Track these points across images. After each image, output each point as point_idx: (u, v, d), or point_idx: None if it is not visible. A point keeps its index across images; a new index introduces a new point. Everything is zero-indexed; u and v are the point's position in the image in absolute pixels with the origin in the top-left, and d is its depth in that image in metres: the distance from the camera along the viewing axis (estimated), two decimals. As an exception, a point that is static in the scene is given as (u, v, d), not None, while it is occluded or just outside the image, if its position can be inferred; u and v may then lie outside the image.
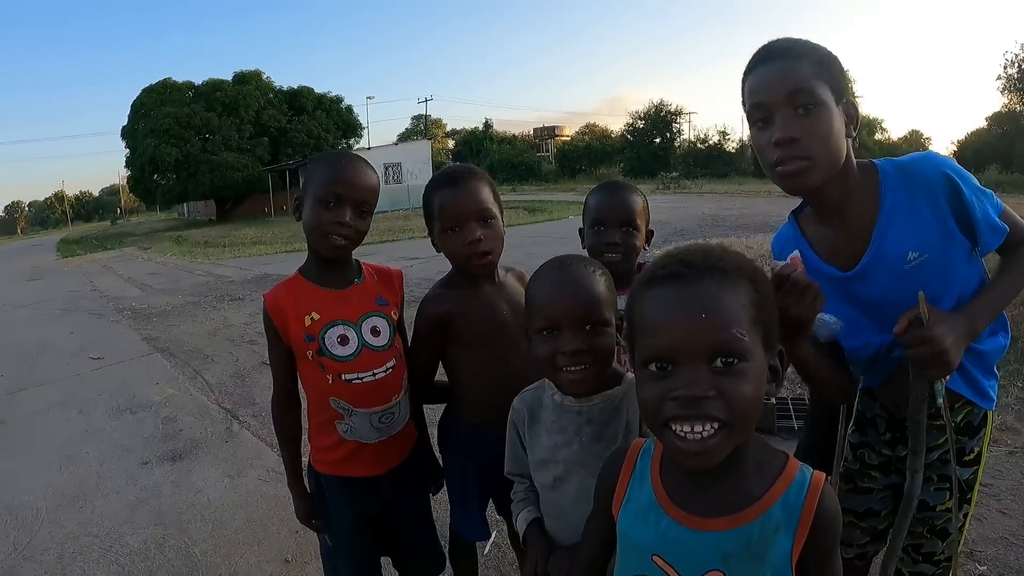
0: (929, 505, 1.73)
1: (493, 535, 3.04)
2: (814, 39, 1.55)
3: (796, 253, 1.47)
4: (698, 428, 1.03)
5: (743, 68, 1.58)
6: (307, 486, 2.19)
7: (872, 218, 1.57)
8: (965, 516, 1.76)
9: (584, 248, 2.26)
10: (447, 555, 2.41)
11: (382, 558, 2.30)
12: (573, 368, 1.49)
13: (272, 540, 3.50)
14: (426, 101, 75.07)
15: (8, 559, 3.55)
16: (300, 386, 2.11)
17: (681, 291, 1.07)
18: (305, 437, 2.17)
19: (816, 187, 1.52)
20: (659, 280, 1.11)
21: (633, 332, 1.15)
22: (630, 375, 1.59)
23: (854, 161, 1.57)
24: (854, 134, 1.55)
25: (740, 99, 1.59)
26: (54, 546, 3.64)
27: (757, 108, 1.52)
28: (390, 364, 2.03)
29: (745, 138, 58.30)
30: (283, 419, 2.13)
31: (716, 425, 1.03)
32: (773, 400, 4.31)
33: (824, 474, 1.14)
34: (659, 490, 1.19)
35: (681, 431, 1.04)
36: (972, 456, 1.74)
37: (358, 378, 1.99)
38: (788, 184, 1.51)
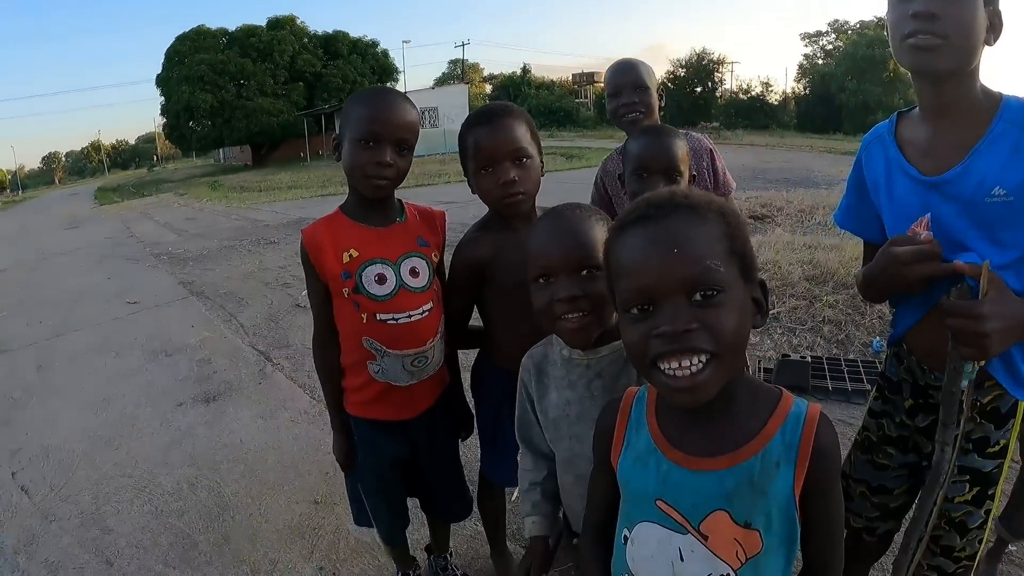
0: (948, 498, 1.61)
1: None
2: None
3: (927, 216, 1.41)
4: (686, 363, 1.01)
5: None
6: None
7: (975, 138, 1.46)
8: (987, 514, 1.62)
9: (626, 195, 2.23)
10: (475, 500, 2.39)
11: (409, 500, 2.28)
12: (571, 315, 1.46)
13: (302, 481, 3.51)
14: (463, 45, 74.52)
15: (45, 500, 3.60)
16: None
17: (651, 231, 1.06)
18: None
19: (942, 72, 1.43)
20: (629, 224, 1.10)
21: (612, 280, 1.14)
22: None
23: (979, 76, 1.48)
24: (993, 43, 1.45)
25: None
26: (89, 487, 3.69)
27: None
28: (427, 307, 1.97)
29: (788, 90, 57.19)
30: (323, 357, 2.09)
31: (704, 358, 1.02)
32: (808, 358, 4.25)
33: (819, 406, 1.13)
34: (656, 434, 1.18)
35: (669, 369, 1.03)
36: (997, 448, 1.59)
37: (393, 319, 1.93)
38: (916, 59, 1.42)
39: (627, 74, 2.67)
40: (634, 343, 1.07)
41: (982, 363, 1.37)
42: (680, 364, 1.02)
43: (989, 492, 1.60)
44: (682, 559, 1.13)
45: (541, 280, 1.50)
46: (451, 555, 2.63)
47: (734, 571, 1.11)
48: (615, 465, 1.24)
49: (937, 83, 1.46)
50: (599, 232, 1.48)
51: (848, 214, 1.80)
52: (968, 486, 1.59)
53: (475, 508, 2.41)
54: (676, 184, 2.05)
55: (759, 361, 4.49)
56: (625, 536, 1.22)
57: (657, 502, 1.15)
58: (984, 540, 1.65)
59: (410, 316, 1.94)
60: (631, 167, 2.15)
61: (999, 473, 1.60)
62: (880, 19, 49.27)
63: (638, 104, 2.64)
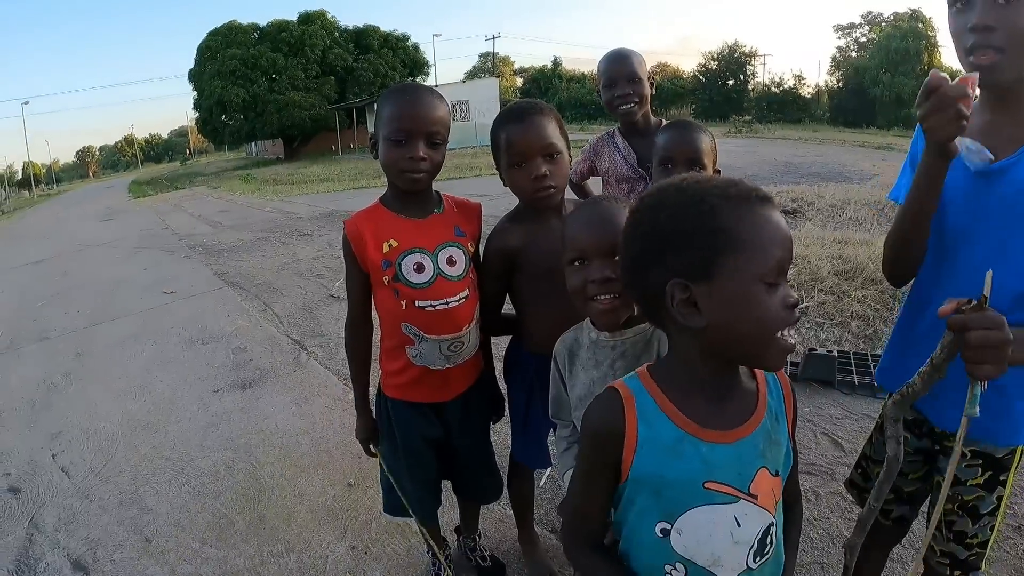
0: (960, 480, 1.62)
1: (549, 469, 3.06)
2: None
3: (974, 74, 1.37)
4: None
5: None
6: (374, 410, 2.25)
7: None
8: (999, 500, 1.62)
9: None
10: (505, 483, 2.45)
11: (443, 482, 2.35)
12: (603, 296, 1.55)
13: (336, 465, 3.59)
14: (493, 39, 73.98)
15: (86, 481, 3.72)
16: (374, 311, 2.14)
17: (777, 210, 1.14)
18: (376, 364, 2.22)
19: (1004, 85, 1.44)
20: (758, 201, 1.13)
21: (733, 251, 1.09)
22: None
23: None
24: None
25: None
26: (129, 468, 3.80)
27: None
28: (463, 294, 2.04)
29: (821, 83, 56.45)
30: (355, 339, 2.18)
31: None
32: (835, 352, 4.25)
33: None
34: (683, 421, 1.18)
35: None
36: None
37: (431, 305, 2.00)
38: (980, 77, 1.42)
39: (621, 66, 2.78)
40: (774, 316, 1.08)
41: (984, 387, 1.31)
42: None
43: (1001, 478, 1.61)
44: (739, 525, 1.18)
45: (576, 263, 1.60)
46: (480, 536, 2.69)
47: (773, 517, 1.21)
48: (628, 465, 1.21)
49: (1001, 91, 1.47)
50: None
51: (905, 184, 1.71)
52: (980, 470, 1.60)
53: (504, 492, 2.47)
54: None
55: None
56: (664, 529, 1.20)
57: (705, 484, 1.16)
58: (996, 528, 1.66)
59: (447, 303, 2.01)
60: (657, 158, 2.21)
61: (1011, 459, 1.60)
62: (914, 11, 48.64)
63: (632, 95, 2.75)
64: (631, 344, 1.62)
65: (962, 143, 1.41)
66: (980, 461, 1.61)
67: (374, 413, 2.26)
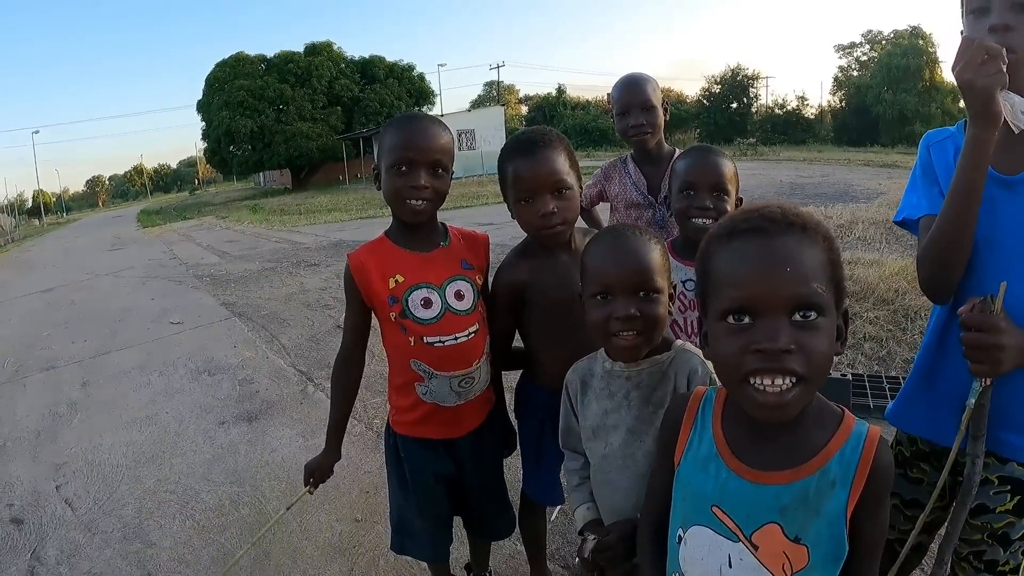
0: (988, 508, 1.57)
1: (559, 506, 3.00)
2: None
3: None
4: (778, 381, 1.04)
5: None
6: (385, 449, 2.23)
7: None
8: None
9: (670, 213, 2.26)
10: (516, 519, 2.40)
11: (454, 518, 2.29)
12: (625, 333, 1.51)
13: (343, 500, 3.53)
14: (498, 67, 74.12)
15: (89, 513, 3.67)
16: (382, 346, 2.10)
17: (765, 244, 1.08)
18: (386, 399, 2.19)
19: None
20: (741, 234, 1.11)
21: (709, 285, 1.15)
22: (679, 342, 1.63)
23: None
24: None
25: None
26: (133, 501, 3.76)
27: None
28: (472, 329, 2.00)
29: (824, 103, 56.58)
30: (343, 375, 2.16)
31: (793, 380, 1.04)
32: (849, 375, 4.20)
33: (879, 428, 1.15)
34: (720, 441, 1.21)
35: (760, 384, 1.05)
36: None
37: (440, 341, 1.96)
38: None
39: (635, 94, 2.72)
40: (729, 355, 1.08)
41: (989, 381, 1.36)
42: (772, 382, 1.04)
43: None
44: (731, 566, 1.16)
45: (599, 297, 1.55)
46: (490, 574, 2.64)
47: None
48: (677, 463, 1.26)
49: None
50: (657, 256, 1.55)
51: (917, 200, 1.68)
52: (1009, 496, 1.56)
53: (516, 528, 2.42)
54: (722, 202, 2.07)
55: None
56: (679, 536, 1.24)
57: (713, 508, 1.17)
58: None
59: (456, 338, 1.97)
60: (677, 184, 2.15)
61: None
62: (913, 28, 48.80)
63: (645, 125, 2.70)
64: (647, 375, 1.59)
65: (1007, 98, 1.35)
66: (1008, 487, 1.56)
67: (387, 449, 2.21)
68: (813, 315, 1.05)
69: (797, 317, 1.04)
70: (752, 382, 1.06)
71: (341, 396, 2.18)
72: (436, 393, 2.01)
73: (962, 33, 1.47)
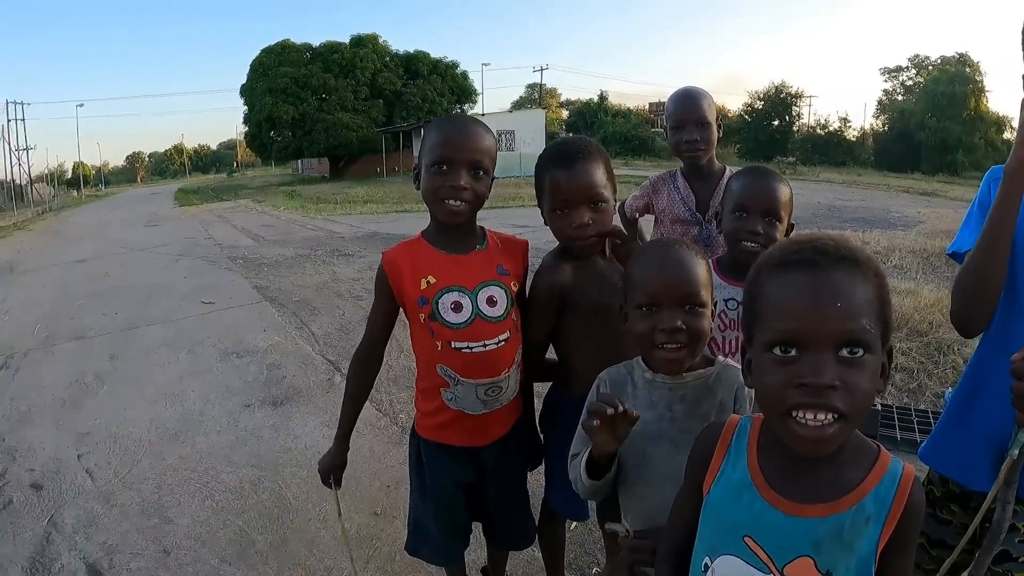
0: (1011, 556, 1.55)
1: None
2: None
3: None
4: (820, 416, 1.03)
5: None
6: (408, 451, 2.20)
7: None
8: None
9: (720, 232, 2.22)
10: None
11: (474, 524, 2.27)
12: (670, 346, 1.51)
13: (364, 492, 3.54)
14: (541, 70, 74.13)
15: (108, 484, 3.73)
16: (412, 349, 2.08)
17: (816, 277, 1.07)
18: (413, 402, 2.16)
19: None
20: (792, 265, 1.10)
21: (756, 315, 1.15)
22: (722, 359, 1.64)
23: None
24: None
25: (1021, 43, 1.48)
26: (153, 476, 3.80)
27: None
28: (503, 336, 1.96)
29: (866, 126, 55.87)
30: (359, 372, 2.13)
31: (835, 415, 1.03)
32: (879, 406, 4.14)
33: (913, 467, 1.15)
34: (755, 470, 1.20)
35: (802, 418, 1.04)
36: None
37: (468, 348, 1.92)
38: None
39: (690, 110, 2.71)
40: (772, 387, 1.08)
41: None
42: (815, 416, 1.03)
43: None
44: None
45: (645, 308, 1.54)
46: (506, 579, 2.61)
47: None
48: (706, 491, 1.25)
49: None
50: (703, 270, 1.56)
51: (969, 235, 1.67)
52: None
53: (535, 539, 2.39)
54: (774, 228, 2.04)
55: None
56: (705, 564, 1.22)
57: (745, 538, 1.16)
58: None
59: (485, 345, 1.93)
60: (730, 204, 2.12)
61: None
62: (961, 55, 48.10)
63: (699, 141, 2.69)
64: (692, 388, 1.59)
65: None
66: None
67: (410, 453, 2.19)
68: (860, 352, 1.04)
69: (844, 353, 1.03)
70: (794, 415, 1.05)
71: (356, 392, 2.15)
72: (461, 400, 1.97)
73: None
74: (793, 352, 1.06)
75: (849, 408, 1.03)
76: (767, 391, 1.10)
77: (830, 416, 1.03)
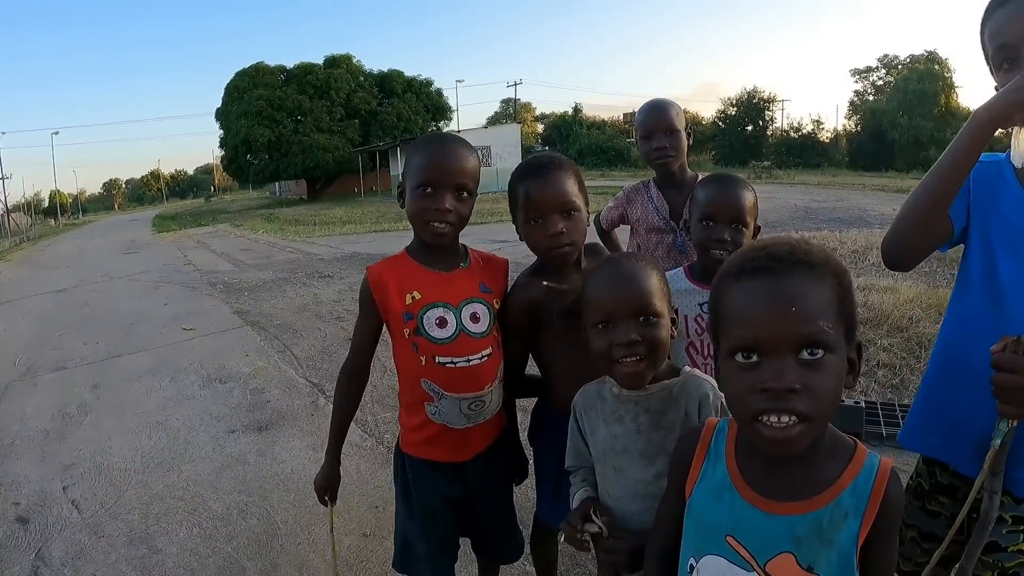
0: (1000, 546, 1.56)
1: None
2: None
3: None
4: (784, 419, 1.06)
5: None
6: (393, 468, 2.20)
7: None
8: None
9: (691, 241, 2.26)
10: (527, 542, 2.38)
11: (462, 540, 2.27)
12: (628, 359, 1.53)
13: (352, 514, 3.52)
14: (515, 85, 74.38)
15: (95, 516, 3.68)
16: (394, 364, 2.09)
17: (770, 284, 1.10)
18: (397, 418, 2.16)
19: None
20: (748, 273, 1.13)
21: (719, 323, 1.18)
22: (688, 369, 1.66)
23: None
24: None
25: (981, 49, 1.55)
26: (140, 506, 3.76)
27: (1001, 50, 1.48)
28: (486, 352, 1.99)
29: (839, 127, 56.52)
30: (348, 386, 2.14)
31: (799, 417, 1.06)
32: (862, 403, 4.17)
33: (891, 460, 1.17)
34: (734, 471, 1.23)
35: (768, 420, 1.07)
36: None
37: (452, 362, 1.95)
38: None
39: (659, 119, 2.78)
40: (738, 394, 1.11)
41: (1015, 422, 1.35)
42: (779, 419, 1.06)
43: None
44: None
45: (600, 325, 1.56)
46: (498, 594, 2.60)
47: None
48: (688, 494, 1.28)
49: None
50: (655, 281, 1.58)
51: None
52: (1022, 536, 1.55)
53: (526, 550, 2.40)
54: (740, 234, 2.09)
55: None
56: (691, 565, 1.25)
57: (727, 538, 1.19)
58: None
59: (469, 360, 1.96)
60: (697, 214, 2.16)
61: None
62: (930, 52, 48.86)
63: (668, 148, 2.75)
64: (657, 399, 1.60)
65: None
66: (1022, 527, 1.55)
67: (395, 470, 2.19)
68: (821, 353, 1.07)
69: (804, 355, 1.06)
70: (760, 419, 1.08)
71: (344, 407, 2.17)
72: (445, 414, 1.99)
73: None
74: (755, 358, 1.09)
75: (812, 409, 1.06)
76: (733, 397, 1.14)
77: (793, 418, 1.06)
